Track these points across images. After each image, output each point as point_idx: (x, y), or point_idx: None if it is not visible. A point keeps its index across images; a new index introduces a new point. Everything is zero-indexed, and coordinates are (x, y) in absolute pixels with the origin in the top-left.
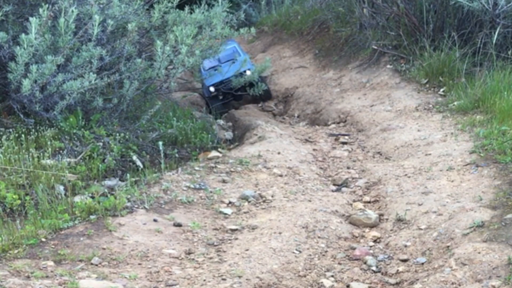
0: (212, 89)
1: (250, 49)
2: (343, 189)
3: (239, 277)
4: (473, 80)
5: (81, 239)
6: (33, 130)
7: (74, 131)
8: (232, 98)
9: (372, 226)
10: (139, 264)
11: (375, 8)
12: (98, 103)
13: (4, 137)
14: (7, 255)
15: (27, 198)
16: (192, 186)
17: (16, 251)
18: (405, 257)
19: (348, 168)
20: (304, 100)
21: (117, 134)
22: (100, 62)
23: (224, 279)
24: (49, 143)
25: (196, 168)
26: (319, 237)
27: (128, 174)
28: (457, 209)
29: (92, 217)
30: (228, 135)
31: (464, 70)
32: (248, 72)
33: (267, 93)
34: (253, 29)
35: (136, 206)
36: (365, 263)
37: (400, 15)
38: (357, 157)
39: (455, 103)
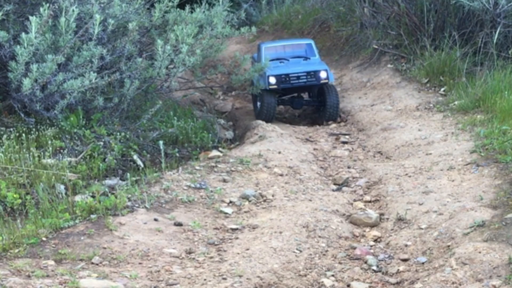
0: (272, 80)
1: (251, 49)
2: (344, 188)
3: (240, 276)
4: (474, 79)
5: (82, 238)
6: (33, 129)
7: (75, 130)
8: (290, 102)
9: (372, 226)
10: (140, 263)
11: (376, 7)
12: (99, 102)
13: (4, 136)
14: (8, 254)
15: (28, 197)
16: (192, 185)
17: (16, 250)
18: (405, 256)
19: (348, 167)
20: None
21: (118, 134)
22: (100, 61)
23: (224, 279)
24: (49, 142)
25: (197, 168)
26: (319, 237)
27: (128, 174)
28: (458, 209)
29: (92, 216)
30: (229, 134)
31: (465, 69)
32: (323, 74)
33: (335, 111)
34: (253, 29)
35: (136, 205)
36: (365, 262)
37: (401, 14)
38: (358, 156)
39: (456, 102)
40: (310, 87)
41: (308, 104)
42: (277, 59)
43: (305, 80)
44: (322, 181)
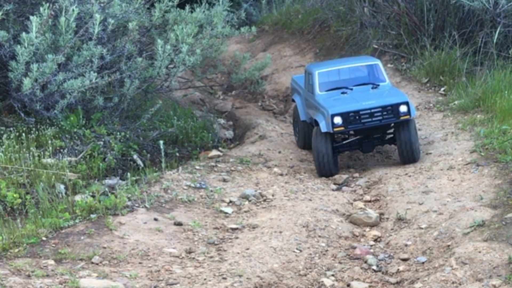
0: (338, 120)
1: (251, 48)
2: (344, 188)
3: (240, 276)
4: (474, 79)
5: (82, 238)
6: (33, 129)
7: (75, 130)
8: (358, 145)
9: (372, 225)
10: (140, 263)
11: (376, 7)
12: (99, 102)
13: (4, 136)
14: (8, 254)
15: (28, 197)
16: (192, 185)
17: (16, 250)
18: (405, 256)
19: (348, 167)
20: None
21: (118, 133)
22: (100, 61)
23: (224, 278)
24: (49, 142)
25: (197, 167)
26: (319, 236)
27: (128, 173)
28: (458, 208)
29: (92, 216)
30: (229, 134)
31: (465, 69)
32: (403, 108)
33: (409, 151)
34: (253, 28)
35: (136, 205)
36: (365, 262)
37: (401, 14)
38: (358, 156)
39: (456, 102)
40: (386, 126)
41: (382, 144)
42: (337, 88)
43: (380, 117)
44: (322, 181)
